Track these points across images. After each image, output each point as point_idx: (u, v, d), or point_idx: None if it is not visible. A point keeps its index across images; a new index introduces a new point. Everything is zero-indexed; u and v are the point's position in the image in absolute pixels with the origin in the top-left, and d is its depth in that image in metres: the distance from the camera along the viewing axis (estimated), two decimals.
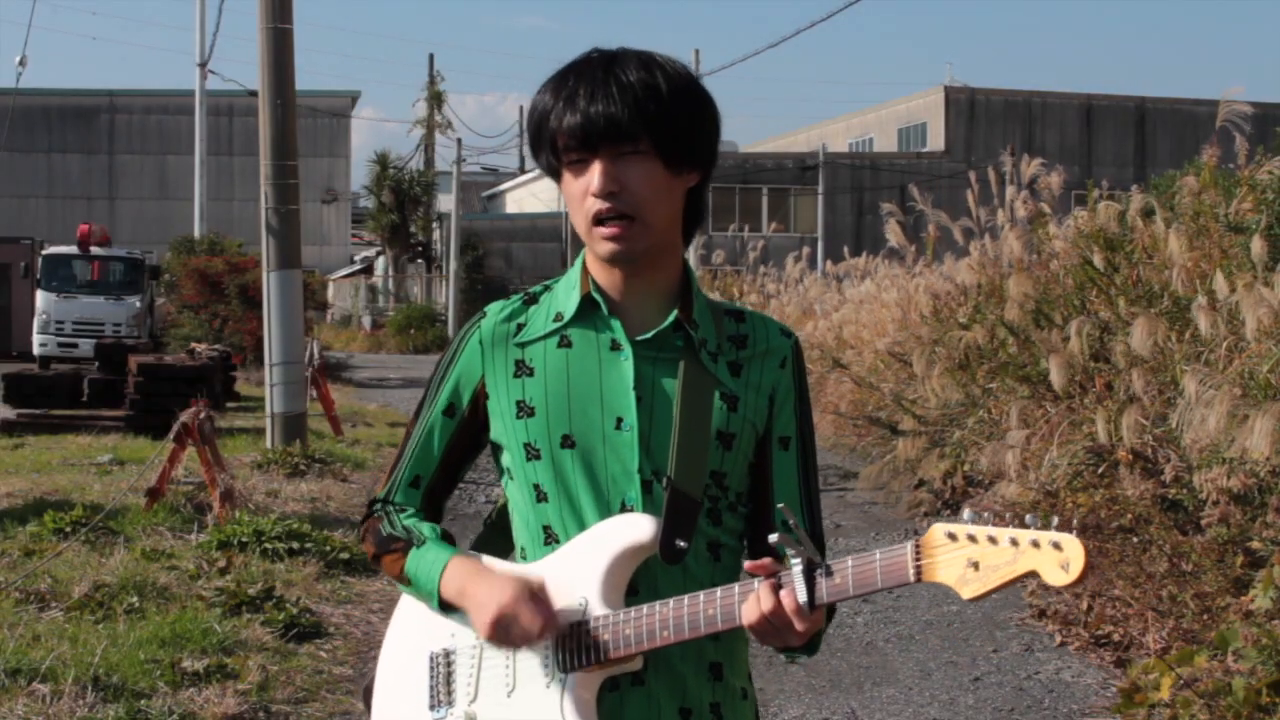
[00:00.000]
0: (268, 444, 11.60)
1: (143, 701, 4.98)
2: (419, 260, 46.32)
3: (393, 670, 2.16)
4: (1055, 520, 1.78)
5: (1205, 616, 5.78)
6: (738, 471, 2.07)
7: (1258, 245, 6.95)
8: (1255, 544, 5.85)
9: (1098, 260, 8.81)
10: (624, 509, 2.01)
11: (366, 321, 42.66)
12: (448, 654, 2.09)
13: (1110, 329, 8.13)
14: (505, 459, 2.10)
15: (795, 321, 17.57)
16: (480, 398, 2.09)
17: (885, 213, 14.71)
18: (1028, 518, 1.79)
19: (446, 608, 2.06)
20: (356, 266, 50.24)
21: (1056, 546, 1.75)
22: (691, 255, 26.70)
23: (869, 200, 38.23)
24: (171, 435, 8.61)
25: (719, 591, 1.93)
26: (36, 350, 25.16)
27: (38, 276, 25.92)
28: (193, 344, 19.51)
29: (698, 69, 31.43)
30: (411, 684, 2.12)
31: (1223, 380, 6.06)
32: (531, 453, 2.04)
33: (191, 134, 30.67)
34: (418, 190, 44.54)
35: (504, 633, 1.96)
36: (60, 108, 45.86)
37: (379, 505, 2.17)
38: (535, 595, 1.96)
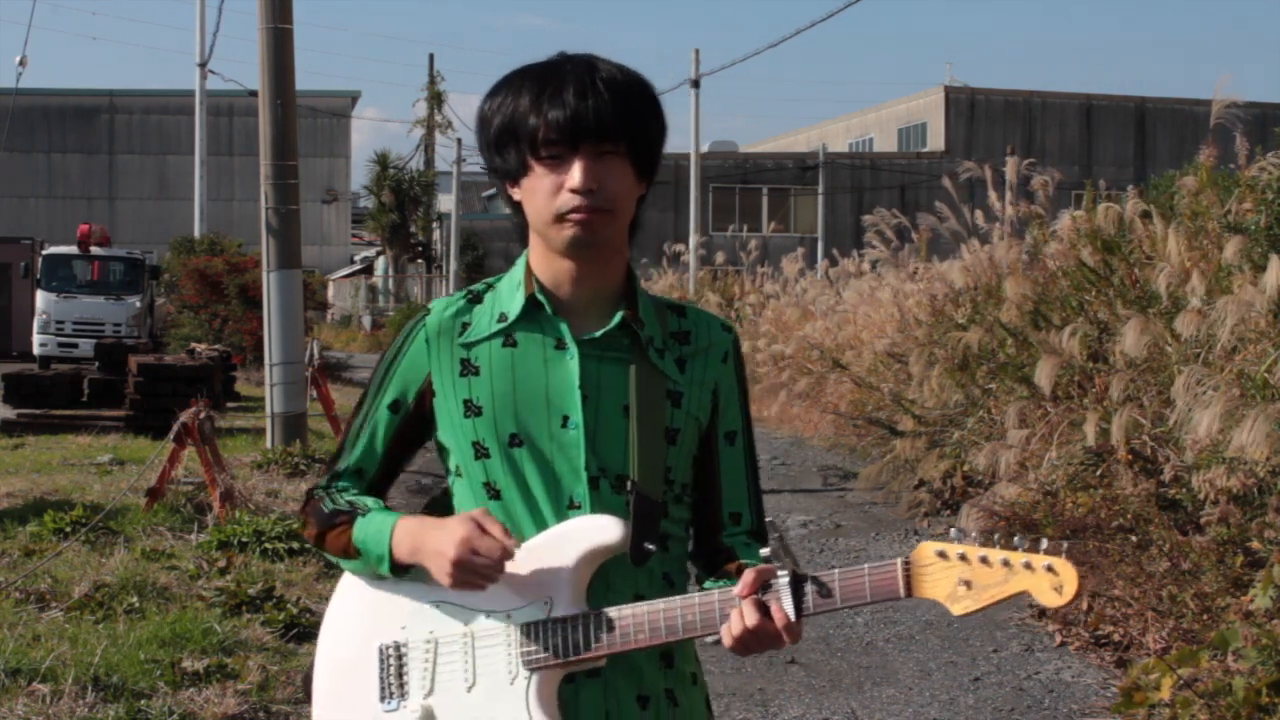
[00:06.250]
0: (268, 444, 11.60)
1: (143, 701, 4.98)
2: (419, 260, 46.34)
3: (336, 660, 2.15)
4: (1044, 543, 1.82)
5: (1205, 616, 5.78)
6: (682, 465, 2.11)
7: (1232, 248, 6.96)
8: (1255, 544, 5.85)
9: (1094, 261, 8.81)
10: (572, 506, 2.04)
11: (366, 321, 42.68)
12: (398, 646, 2.09)
13: (1109, 330, 8.13)
14: (453, 458, 2.11)
15: (794, 322, 17.57)
16: (426, 395, 2.11)
17: (868, 224, 14.76)
18: (1015, 539, 1.83)
19: (399, 570, 2.05)
20: (356, 266, 50.26)
21: (1050, 570, 1.80)
22: (691, 256, 26.79)
23: (869, 200, 38.23)
24: (171, 435, 8.60)
25: (697, 598, 1.97)
26: (36, 350, 25.16)
27: (38, 276, 25.92)
28: (193, 344, 19.53)
29: (698, 69, 31.43)
30: (358, 675, 2.11)
31: (1220, 381, 6.06)
32: (480, 451, 2.07)
33: (191, 134, 30.67)
34: (418, 190, 44.57)
35: (469, 570, 1.95)
36: (60, 108, 45.88)
37: (320, 490, 2.17)
38: (486, 526, 1.95)
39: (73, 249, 26.11)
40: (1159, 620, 6.01)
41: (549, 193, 2.00)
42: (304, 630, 6.16)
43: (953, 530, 1.87)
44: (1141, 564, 6.41)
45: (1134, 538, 6.65)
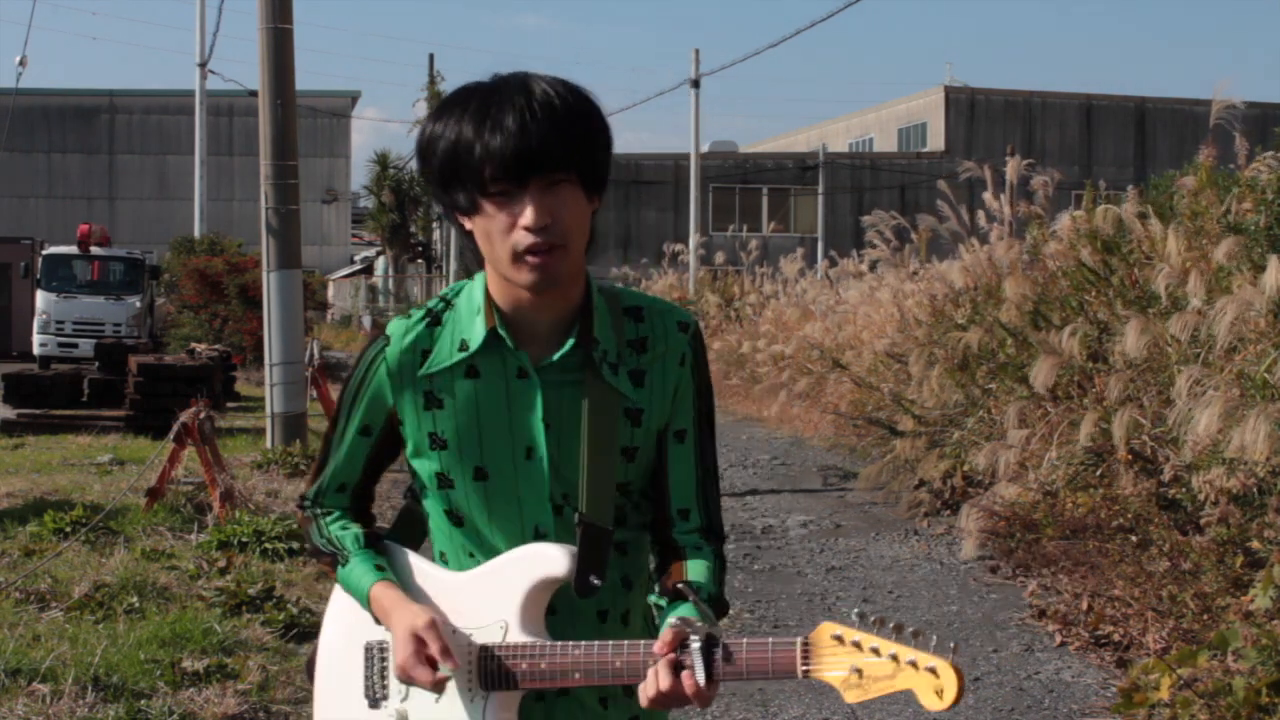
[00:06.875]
0: (268, 444, 11.60)
1: (143, 701, 4.98)
2: (419, 260, 46.33)
3: (332, 652, 2.22)
4: (934, 639, 1.82)
5: (1205, 616, 5.78)
6: (641, 475, 2.13)
7: (1225, 248, 6.96)
8: (1255, 544, 5.85)
9: (1092, 261, 8.81)
10: (538, 534, 2.06)
11: (366, 321, 42.66)
12: (382, 647, 2.13)
13: (1109, 330, 8.13)
14: (421, 480, 2.14)
15: (794, 322, 17.57)
16: (394, 420, 2.12)
17: (868, 224, 14.77)
18: (908, 630, 1.84)
19: None
20: (356, 266, 50.27)
21: (933, 672, 1.80)
22: (691, 256, 26.78)
23: (869, 200, 38.23)
24: (171, 435, 8.60)
25: (625, 646, 1.99)
26: (36, 350, 25.16)
27: (38, 276, 25.93)
28: (193, 344, 19.53)
29: (698, 69, 31.40)
30: (349, 669, 2.17)
31: (1220, 381, 6.07)
32: (444, 482, 2.09)
33: (191, 134, 30.67)
34: (418, 190, 44.52)
35: (410, 684, 2.05)
36: (60, 108, 45.89)
37: (308, 504, 2.22)
38: (427, 644, 2.00)
39: (73, 249, 26.11)
40: (1159, 620, 6.01)
41: (503, 231, 1.96)
42: (304, 630, 6.16)
43: (854, 612, 1.90)
44: (1141, 564, 6.41)
45: (1134, 538, 6.65)
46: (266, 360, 11.69)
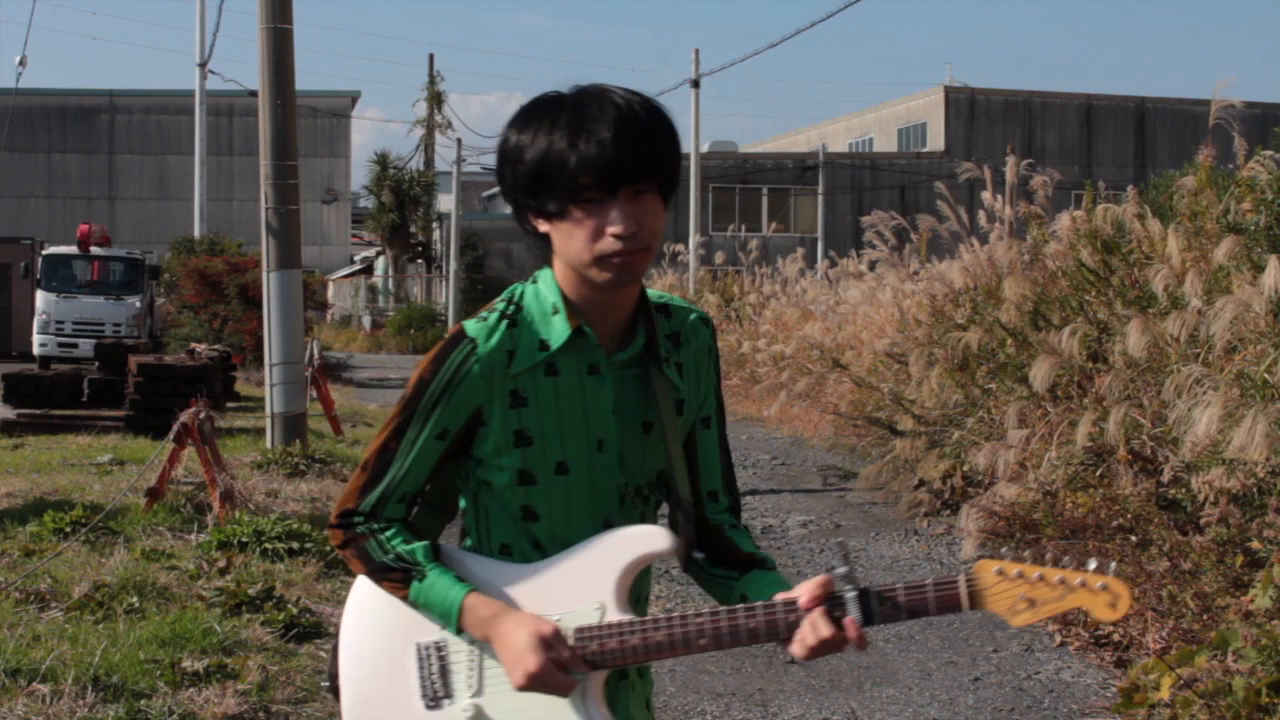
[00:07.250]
0: (268, 444, 11.60)
1: (143, 701, 4.98)
2: (419, 260, 46.33)
3: (369, 659, 2.18)
4: (1092, 563, 2.02)
5: (1205, 616, 5.78)
6: None
7: (1224, 249, 6.95)
8: (1255, 544, 5.85)
9: (1092, 261, 8.81)
10: (606, 524, 2.13)
11: (366, 321, 42.67)
12: (439, 646, 2.12)
13: (1109, 330, 8.13)
14: (488, 475, 2.15)
15: (794, 323, 17.57)
16: (474, 422, 2.13)
17: (867, 225, 14.78)
18: (1064, 559, 2.03)
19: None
20: (356, 266, 50.28)
21: (1104, 588, 2.01)
22: (691, 256, 26.80)
23: (869, 200, 38.24)
24: (171, 435, 8.60)
25: (759, 606, 2.06)
26: (36, 350, 25.16)
27: (38, 276, 25.92)
28: (193, 344, 19.53)
29: (698, 69, 31.42)
30: (394, 674, 2.15)
31: (1220, 381, 6.07)
32: (525, 478, 2.13)
33: (191, 134, 30.67)
34: (418, 190, 44.53)
35: (540, 689, 2.06)
36: (60, 108, 45.89)
37: (361, 520, 2.17)
38: (560, 658, 2.04)
39: (73, 249, 26.11)
40: (1159, 620, 6.01)
41: (588, 237, 2.04)
42: (304, 630, 6.17)
43: (1004, 549, 2.06)
44: (1141, 564, 6.41)
45: (1134, 538, 6.65)
46: (266, 360, 11.69)
